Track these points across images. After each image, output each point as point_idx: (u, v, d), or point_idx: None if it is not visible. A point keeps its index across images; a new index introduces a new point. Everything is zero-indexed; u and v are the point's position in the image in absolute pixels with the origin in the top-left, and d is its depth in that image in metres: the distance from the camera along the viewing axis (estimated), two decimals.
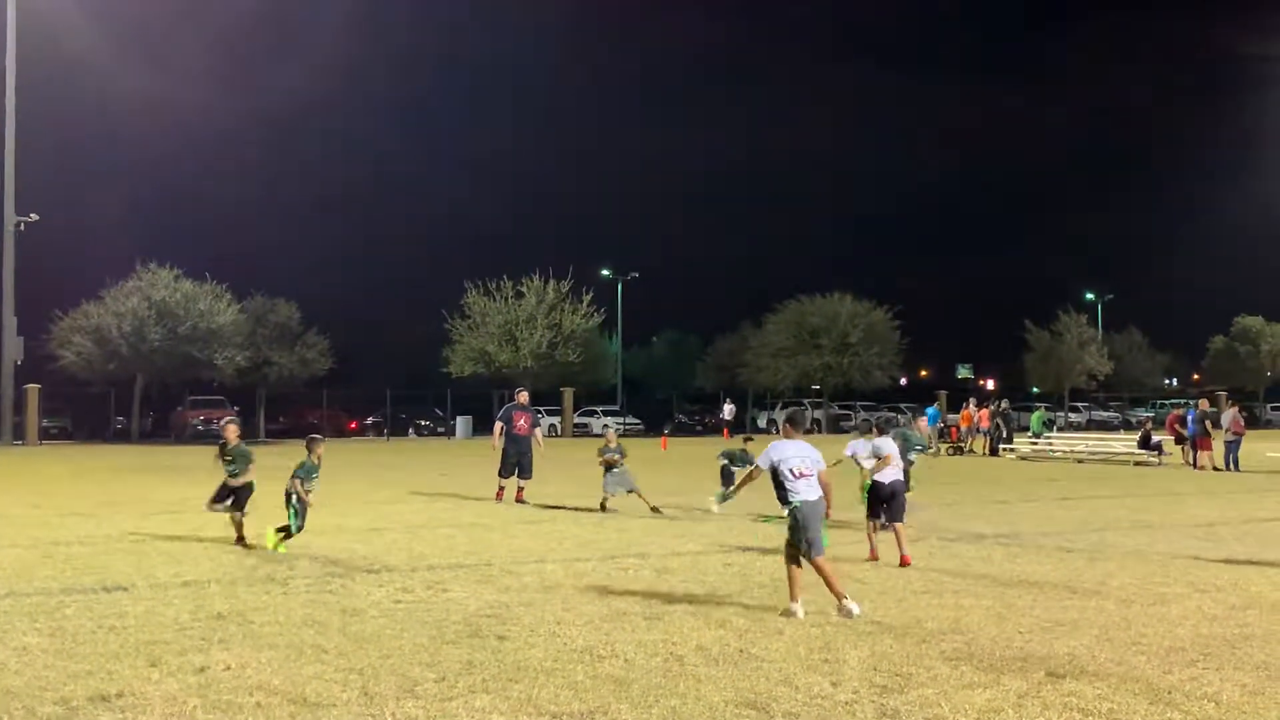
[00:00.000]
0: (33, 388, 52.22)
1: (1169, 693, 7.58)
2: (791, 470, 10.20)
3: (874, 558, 13.56)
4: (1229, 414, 33.93)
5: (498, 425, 21.68)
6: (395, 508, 20.45)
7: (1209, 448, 33.28)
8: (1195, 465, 33.06)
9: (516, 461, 21.27)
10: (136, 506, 15.60)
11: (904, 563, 13.10)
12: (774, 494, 10.47)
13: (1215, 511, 19.69)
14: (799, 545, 10.15)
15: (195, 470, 15.35)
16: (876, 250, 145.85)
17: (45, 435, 52.99)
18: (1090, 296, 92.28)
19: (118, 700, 7.32)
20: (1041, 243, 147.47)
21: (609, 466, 19.64)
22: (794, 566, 10.25)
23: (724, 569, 12.88)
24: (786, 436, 10.59)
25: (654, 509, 18.86)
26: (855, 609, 9.99)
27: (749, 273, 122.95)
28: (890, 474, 13.80)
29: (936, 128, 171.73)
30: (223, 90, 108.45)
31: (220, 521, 15.72)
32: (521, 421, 21.48)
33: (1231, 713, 7.16)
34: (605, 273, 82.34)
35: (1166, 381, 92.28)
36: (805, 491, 10.17)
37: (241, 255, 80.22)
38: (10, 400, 50.94)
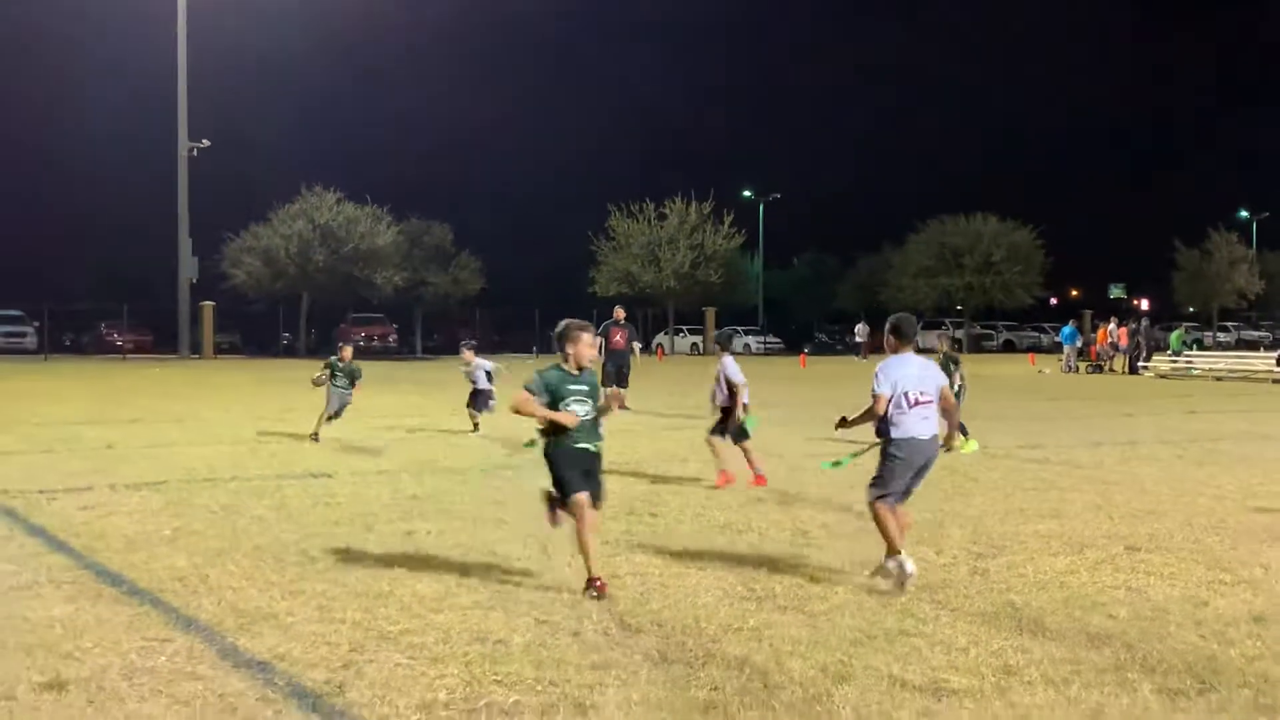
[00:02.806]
0: (207, 305, 55.56)
1: (1227, 562, 8.78)
2: (906, 396, 8.00)
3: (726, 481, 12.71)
4: None
5: (597, 340, 23.54)
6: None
7: None
8: None
9: (615, 373, 23.17)
10: (316, 411, 17.56)
11: (758, 482, 12.63)
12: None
13: None
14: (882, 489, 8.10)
15: (363, 383, 17.35)
16: (1026, 167, 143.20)
17: (218, 350, 56.34)
18: (1244, 215, 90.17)
19: (345, 553, 9.01)
20: (1201, 161, 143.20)
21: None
22: (890, 509, 8.13)
23: (855, 468, 14.24)
24: (894, 352, 8.26)
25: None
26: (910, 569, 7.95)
27: (891, 194, 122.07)
28: (720, 398, 13.13)
29: (1094, 42, 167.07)
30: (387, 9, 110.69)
31: (396, 418, 17.57)
32: (618, 337, 23.62)
33: (1275, 574, 8.36)
34: (747, 194, 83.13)
35: None
36: (916, 426, 8.04)
37: (399, 179, 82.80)
38: (187, 317, 54.27)
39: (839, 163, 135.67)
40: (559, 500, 7.94)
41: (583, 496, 7.76)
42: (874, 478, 8.16)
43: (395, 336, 63.08)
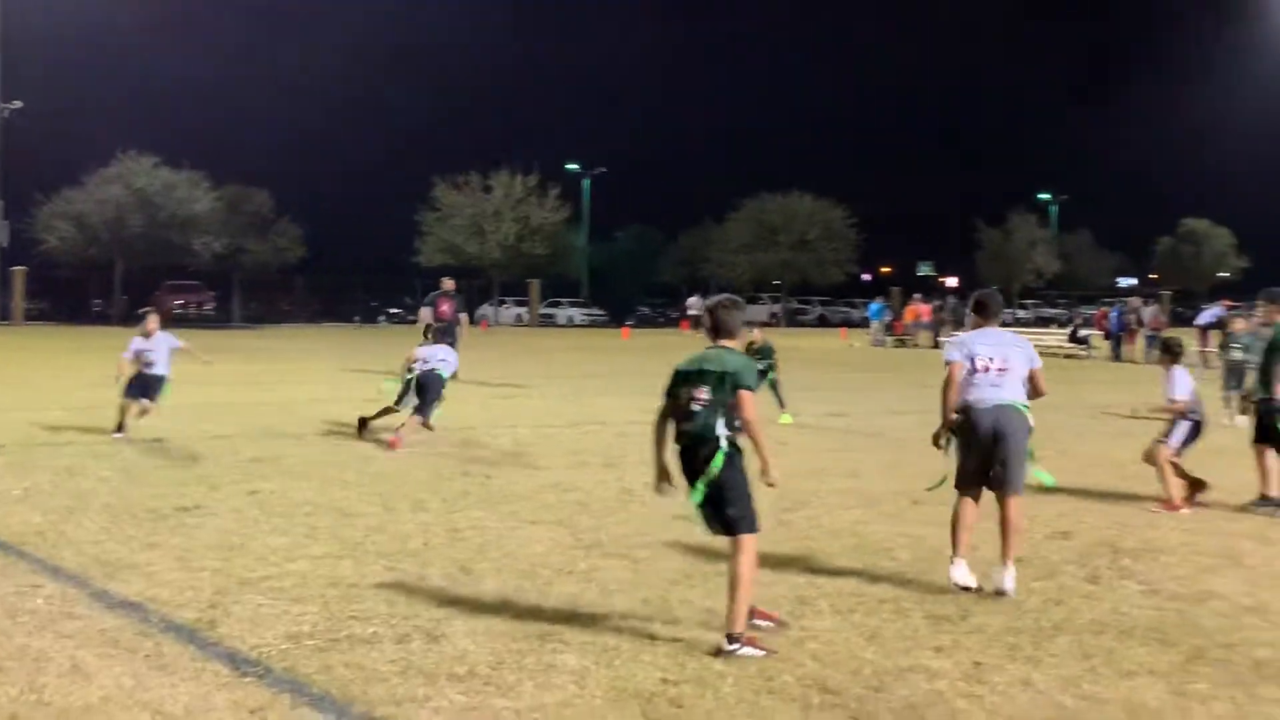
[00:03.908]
0: (18, 270, 53.83)
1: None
2: (975, 360, 7.56)
3: None
4: (1149, 311, 36.49)
5: (424, 310, 24.34)
6: (379, 385, 22.63)
7: (1133, 341, 35.94)
8: (1118, 358, 35.69)
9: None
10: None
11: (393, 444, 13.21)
12: None
13: (1114, 397, 22.15)
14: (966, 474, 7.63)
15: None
16: (841, 149, 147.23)
17: (28, 317, 54.66)
18: (1045, 197, 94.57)
19: (196, 510, 9.52)
20: (1005, 143, 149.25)
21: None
22: (966, 502, 7.64)
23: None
24: (976, 327, 7.98)
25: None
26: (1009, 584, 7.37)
27: (712, 170, 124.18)
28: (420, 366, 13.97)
29: (898, 27, 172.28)
30: None
31: (231, 388, 17.87)
32: (445, 307, 24.08)
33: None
34: (572, 167, 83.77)
35: (1122, 281, 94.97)
36: (989, 392, 7.53)
37: (218, 142, 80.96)
38: None
39: (663, 138, 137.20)
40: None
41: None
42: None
43: (213, 304, 62.06)
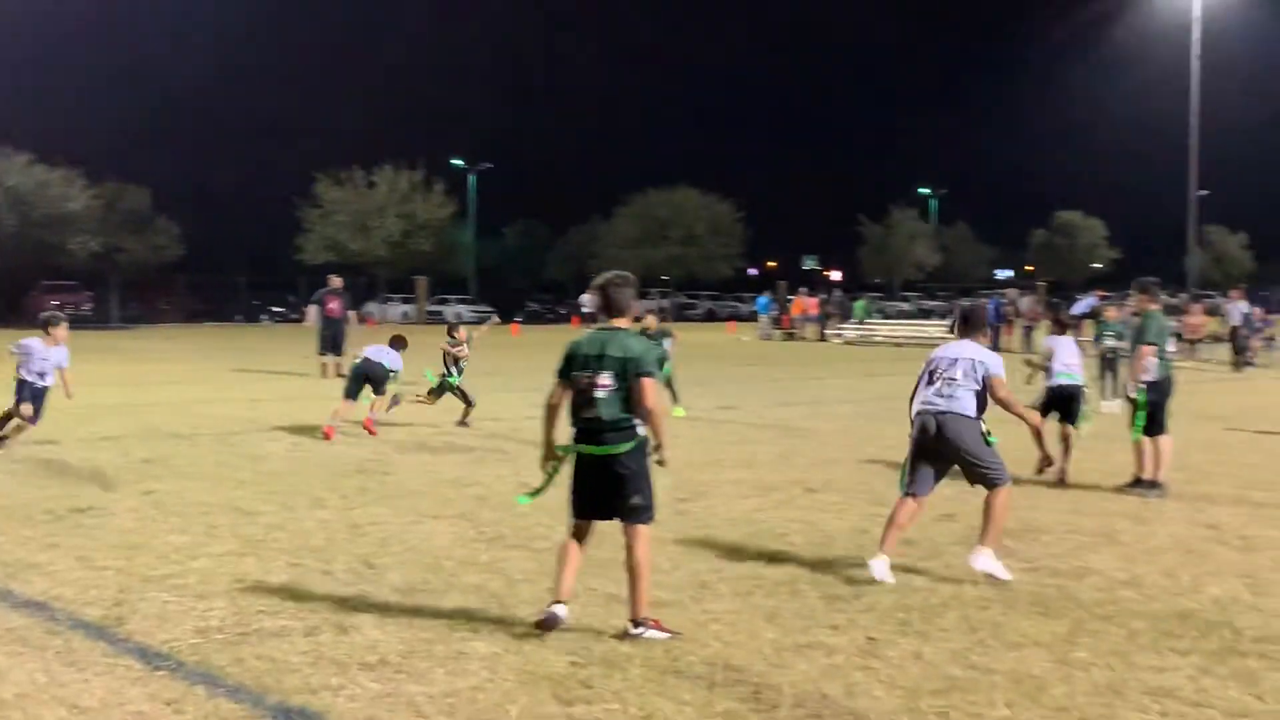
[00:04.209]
0: None
1: (887, 499, 10.26)
2: (932, 374, 7.95)
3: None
4: (1026, 302, 37.54)
5: (311, 308, 24.27)
6: (268, 384, 22.44)
7: (1010, 332, 36.92)
8: (996, 348, 36.61)
9: (332, 340, 23.74)
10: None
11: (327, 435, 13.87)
12: None
13: None
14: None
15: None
16: (727, 144, 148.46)
17: None
18: (925, 191, 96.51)
19: (92, 511, 9.44)
20: (887, 139, 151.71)
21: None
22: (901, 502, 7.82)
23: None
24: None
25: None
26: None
27: (599, 165, 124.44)
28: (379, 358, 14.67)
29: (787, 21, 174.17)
30: None
31: (116, 389, 17.61)
32: (333, 305, 24.00)
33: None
34: (457, 162, 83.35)
35: (1000, 273, 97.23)
36: (927, 398, 7.85)
37: (93, 139, 78.99)
38: None
39: (549, 133, 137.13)
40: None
41: None
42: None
43: (90, 305, 60.60)
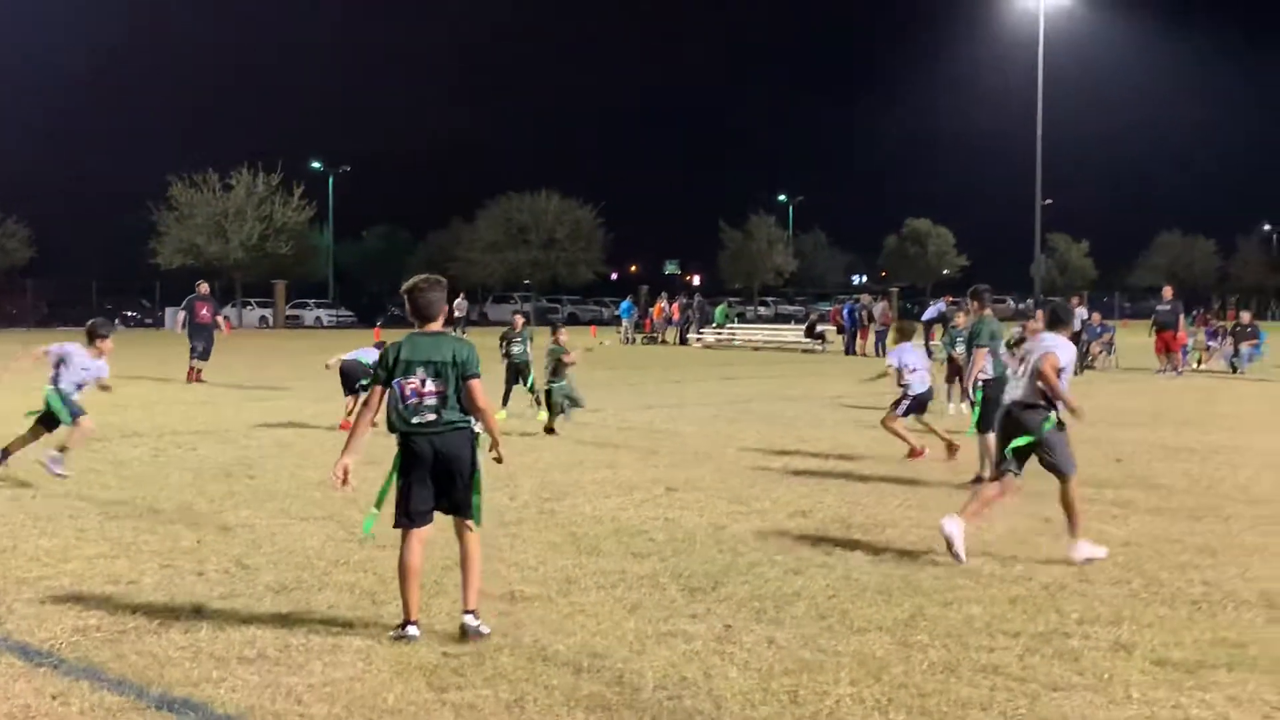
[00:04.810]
0: None
1: (744, 497, 10.74)
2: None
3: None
4: (879, 308, 38.65)
5: (180, 315, 24.13)
6: (127, 390, 22.11)
7: (865, 336, 38.01)
8: (851, 352, 37.67)
9: (204, 347, 23.69)
10: None
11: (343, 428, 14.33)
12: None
13: (847, 388, 23.54)
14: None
15: None
16: (590, 149, 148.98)
17: None
18: (783, 199, 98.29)
19: None
20: (747, 146, 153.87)
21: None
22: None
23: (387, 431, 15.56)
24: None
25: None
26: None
27: (461, 169, 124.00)
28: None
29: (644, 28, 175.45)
30: None
31: None
32: (204, 311, 23.90)
33: (780, 505, 10.35)
34: (316, 165, 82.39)
35: (855, 279, 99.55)
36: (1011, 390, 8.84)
37: None
38: None
39: (409, 137, 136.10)
40: None
41: None
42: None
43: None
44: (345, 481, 6.49)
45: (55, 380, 11.44)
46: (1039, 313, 14.10)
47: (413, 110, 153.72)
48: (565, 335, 15.96)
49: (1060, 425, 8.49)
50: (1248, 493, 11.40)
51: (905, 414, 13.10)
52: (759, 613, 6.93)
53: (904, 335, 13.74)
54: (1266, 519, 9.90)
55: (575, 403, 15.55)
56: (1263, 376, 27.10)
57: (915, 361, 13.10)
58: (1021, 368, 8.66)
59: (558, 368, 15.37)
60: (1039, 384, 8.42)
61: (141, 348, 39.81)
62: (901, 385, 13.01)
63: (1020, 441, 8.46)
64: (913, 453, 13.11)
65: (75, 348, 11.54)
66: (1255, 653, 6.24)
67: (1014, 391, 8.68)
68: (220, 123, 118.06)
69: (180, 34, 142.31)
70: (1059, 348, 8.54)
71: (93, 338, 11.64)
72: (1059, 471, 8.50)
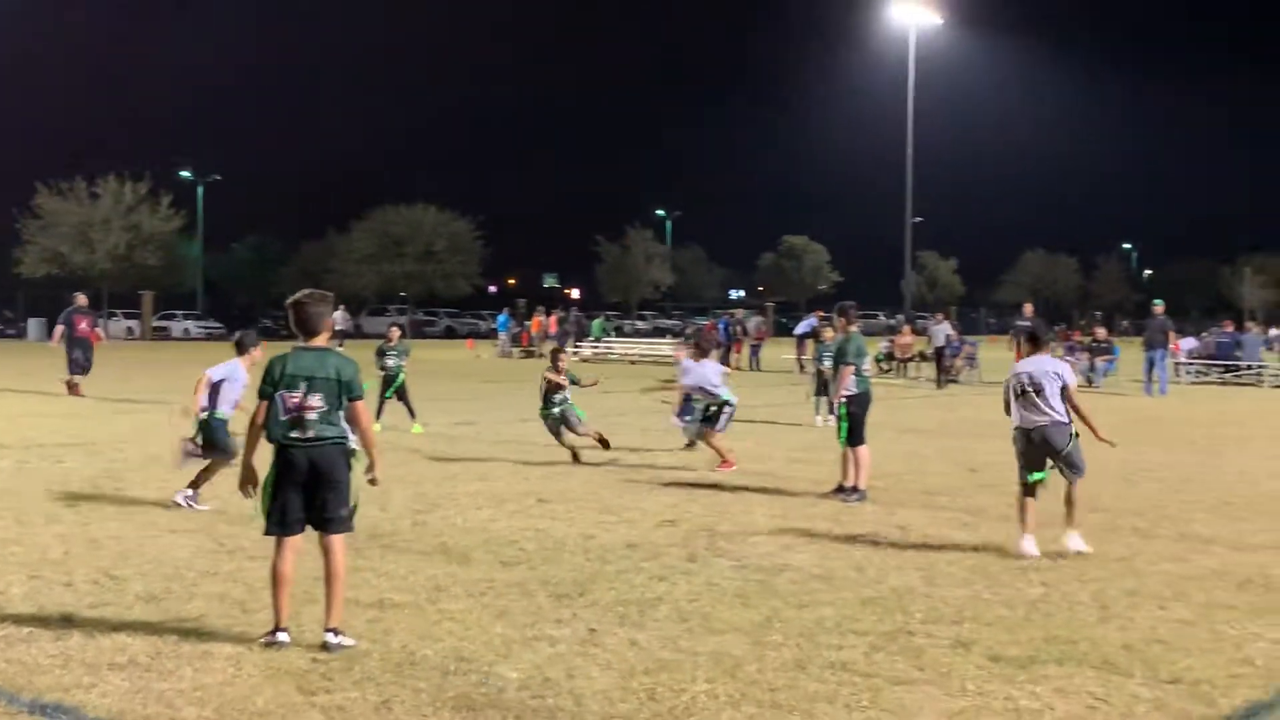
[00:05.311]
0: None
1: (614, 507, 11.01)
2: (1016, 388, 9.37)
3: None
4: (754, 323, 39.33)
5: (59, 328, 23.77)
6: None
7: (739, 350, 38.60)
8: (725, 365, 38.22)
9: (84, 359, 23.39)
10: None
11: None
12: None
13: None
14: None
15: None
16: (468, 162, 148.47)
17: None
18: (661, 213, 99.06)
19: None
20: (626, 159, 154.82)
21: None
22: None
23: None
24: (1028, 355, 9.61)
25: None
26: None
27: (336, 180, 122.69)
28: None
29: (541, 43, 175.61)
30: None
31: None
32: (84, 324, 23.64)
33: (648, 514, 10.64)
34: (185, 174, 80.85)
35: (733, 294, 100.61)
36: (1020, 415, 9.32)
37: None
38: None
39: (282, 146, 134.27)
40: None
41: None
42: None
43: None
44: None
45: (212, 406, 10.99)
46: (906, 327, 14.88)
47: (287, 121, 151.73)
48: (565, 362, 14.95)
49: (1076, 435, 9.38)
50: (1092, 501, 12.00)
51: (724, 428, 14.04)
52: (623, 617, 7.20)
53: (700, 351, 14.74)
54: (1103, 527, 10.44)
55: (567, 424, 14.36)
56: (1115, 390, 28.19)
57: (717, 378, 14.11)
58: (1030, 392, 9.25)
59: (547, 392, 14.44)
60: (1066, 404, 9.27)
61: (5, 359, 38.81)
62: (719, 404, 13.83)
63: (1038, 476, 9.37)
64: (726, 463, 13.67)
65: (237, 364, 11.05)
66: (1085, 649, 6.67)
67: (1035, 417, 9.23)
68: (88, 131, 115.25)
69: (46, 37, 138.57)
70: (1067, 367, 9.62)
71: (244, 348, 11.17)
72: (1076, 472, 9.42)
